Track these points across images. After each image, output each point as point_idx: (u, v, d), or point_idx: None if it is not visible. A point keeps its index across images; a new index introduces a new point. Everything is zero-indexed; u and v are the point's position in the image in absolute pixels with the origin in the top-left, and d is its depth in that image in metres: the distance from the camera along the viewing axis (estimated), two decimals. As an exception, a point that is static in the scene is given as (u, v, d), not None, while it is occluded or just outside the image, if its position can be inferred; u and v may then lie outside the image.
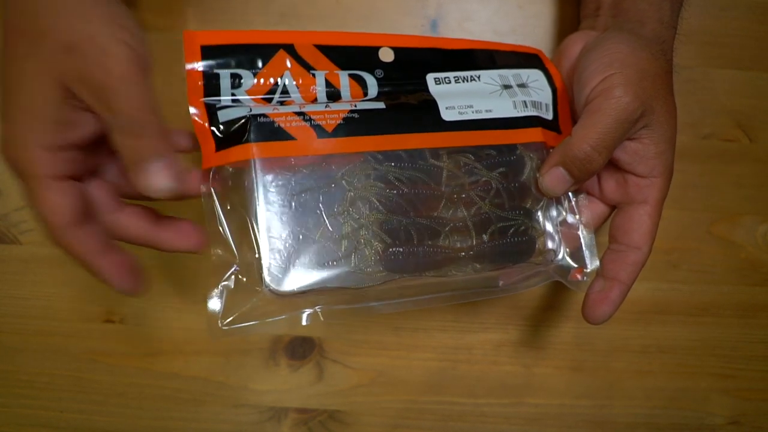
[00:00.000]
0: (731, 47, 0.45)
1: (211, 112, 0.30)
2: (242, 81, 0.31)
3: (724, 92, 0.45)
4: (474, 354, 0.44)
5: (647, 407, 0.44)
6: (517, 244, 0.33)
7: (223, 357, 0.44)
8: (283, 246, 0.30)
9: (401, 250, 0.31)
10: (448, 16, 0.44)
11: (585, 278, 0.34)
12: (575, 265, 0.34)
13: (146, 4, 0.43)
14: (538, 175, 0.33)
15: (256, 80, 0.31)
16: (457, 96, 0.33)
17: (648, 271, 0.43)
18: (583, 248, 0.34)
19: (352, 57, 0.33)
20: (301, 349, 0.44)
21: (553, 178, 0.32)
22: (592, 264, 0.34)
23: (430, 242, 0.32)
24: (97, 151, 0.30)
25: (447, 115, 0.33)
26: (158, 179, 0.27)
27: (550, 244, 0.34)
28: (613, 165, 0.34)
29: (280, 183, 0.30)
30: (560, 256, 0.34)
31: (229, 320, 0.30)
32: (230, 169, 0.30)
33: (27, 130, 0.26)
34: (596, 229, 0.35)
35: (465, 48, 0.35)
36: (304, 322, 0.31)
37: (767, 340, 0.45)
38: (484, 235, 0.33)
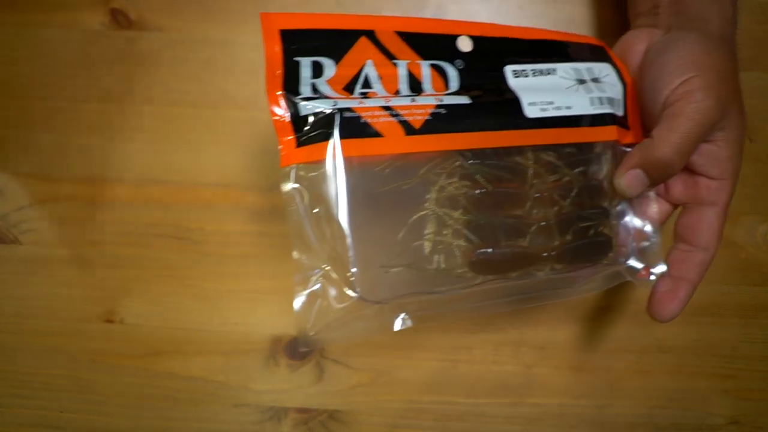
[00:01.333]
0: (731, 47, 0.45)
1: (292, 104, 0.28)
2: (324, 70, 0.29)
3: (724, 92, 0.45)
4: (474, 354, 0.44)
5: (647, 407, 0.44)
6: (596, 244, 0.33)
7: (223, 357, 0.44)
8: (371, 250, 0.28)
9: (489, 251, 0.30)
10: (448, 16, 0.44)
11: (653, 277, 0.34)
12: (643, 264, 0.34)
13: (146, 4, 0.43)
14: (614, 176, 0.33)
15: (337, 69, 0.29)
16: (536, 91, 0.33)
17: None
18: (651, 248, 0.34)
19: (433, 45, 0.31)
20: (301, 349, 0.44)
21: (631, 179, 0.32)
22: (658, 263, 0.34)
23: (515, 242, 0.31)
24: None
25: (530, 112, 0.32)
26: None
27: (622, 244, 0.34)
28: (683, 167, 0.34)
29: (365, 182, 0.28)
30: (630, 256, 0.34)
31: (317, 328, 0.29)
32: (312, 167, 0.28)
33: None
34: (661, 227, 0.36)
35: (538, 38, 0.34)
36: (396, 328, 0.31)
37: (767, 340, 0.45)
38: (567, 236, 0.32)
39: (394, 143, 0.28)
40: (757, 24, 0.45)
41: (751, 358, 0.44)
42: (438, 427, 0.44)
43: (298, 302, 0.29)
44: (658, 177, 0.32)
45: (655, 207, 0.35)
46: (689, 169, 0.34)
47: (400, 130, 0.29)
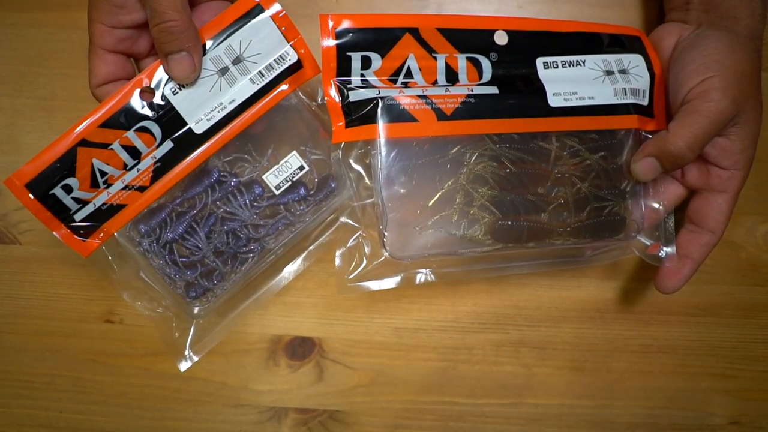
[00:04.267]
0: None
1: (343, 91, 0.33)
2: (371, 63, 0.34)
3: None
4: (474, 354, 0.44)
5: (647, 407, 0.44)
6: (610, 222, 0.37)
7: (223, 357, 0.44)
8: (403, 216, 0.34)
9: (509, 223, 0.35)
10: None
11: (661, 253, 0.37)
12: (653, 241, 0.37)
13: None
14: (631, 161, 0.36)
15: (383, 62, 0.34)
16: (563, 81, 0.36)
17: (648, 271, 0.43)
18: (663, 227, 0.38)
19: (470, 40, 0.35)
20: (301, 349, 0.44)
21: (645, 166, 0.35)
22: (668, 242, 0.37)
23: (534, 217, 0.36)
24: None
25: (554, 102, 0.35)
26: (176, 69, 0.32)
27: (635, 222, 0.37)
28: (698, 156, 0.35)
29: (402, 159, 0.34)
30: (642, 233, 0.37)
31: (353, 277, 0.35)
32: (359, 145, 0.34)
33: (93, 9, 0.33)
34: (673, 208, 0.38)
35: (572, 30, 0.37)
36: (417, 282, 0.36)
37: (767, 340, 0.44)
38: (581, 214, 0.36)
39: (427, 127, 0.33)
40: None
41: (751, 358, 0.44)
42: (438, 427, 0.44)
43: (338, 255, 0.35)
44: (670, 166, 0.34)
45: (669, 189, 0.38)
46: (703, 158, 0.36)
47: (432, 116, 0.33)
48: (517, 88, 0.35)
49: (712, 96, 0.33)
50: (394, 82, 0.34)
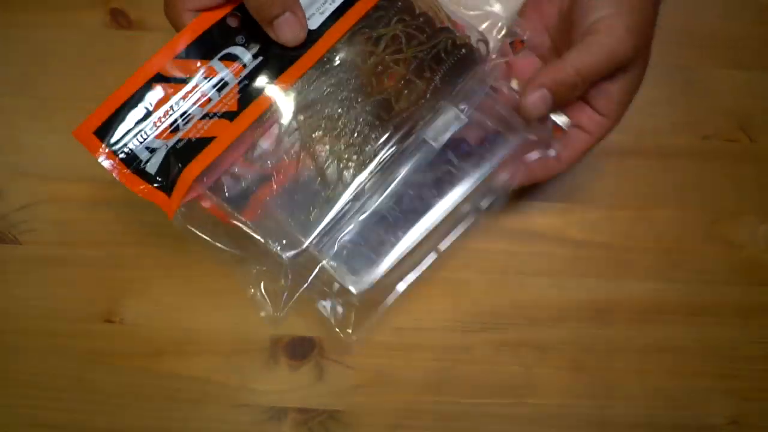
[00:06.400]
0: (732, 47, 0.45)
1: (143, 174, 0.32)
2: (146, 132, 0.32)
3: (725, 92, 0.45)
4: (474, 354, 0.44)
5: (647, 407, 0.44)
6: (458, 58, 0.35)
7: (223, 357, 0.44)
8: (287, 216, 0.33)
9: (374, 136, 0.33)
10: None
11: (552, 152, 0.36)
12: (518, 85, 0.36)
13: (146, 4, 0.43)
14: (520, 97, 0.34)
15: (153, 123, 0.32)
16: (310, 4, 0.34)
17: (648, 270, 0.43)
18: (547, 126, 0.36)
19: (211, 43, 0.33)
20: (301, 349, 0.44)
21: (537, 99, 0.33)
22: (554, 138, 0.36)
23: (390, 115, 0.34)
24: None
25: (314, 23, 0.34)
26: (285, 32, 0.32)
27: (481, 44, 0.36)
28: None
29: (241, 182, 0.33)
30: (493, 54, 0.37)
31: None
32: (191, 204, 0.33)
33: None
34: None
35: None
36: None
37: (767, 340, 0.45)
38: (426, 74, 0.34)
39: (227, 135, 0.32)
40: (758, 25, 0.45)
41: (751, 358, 0.44)
42: (438, 427, 0.44)
43: (258, 298, 0.35)
44: (560, 98, 0.33)
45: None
46: (583, 98, 0.35)
47: (224, 122, 0.32)
48: (273, 41, 0.33)
49: (617, 32, 0.32)
50: (177, 129, 0.32)
